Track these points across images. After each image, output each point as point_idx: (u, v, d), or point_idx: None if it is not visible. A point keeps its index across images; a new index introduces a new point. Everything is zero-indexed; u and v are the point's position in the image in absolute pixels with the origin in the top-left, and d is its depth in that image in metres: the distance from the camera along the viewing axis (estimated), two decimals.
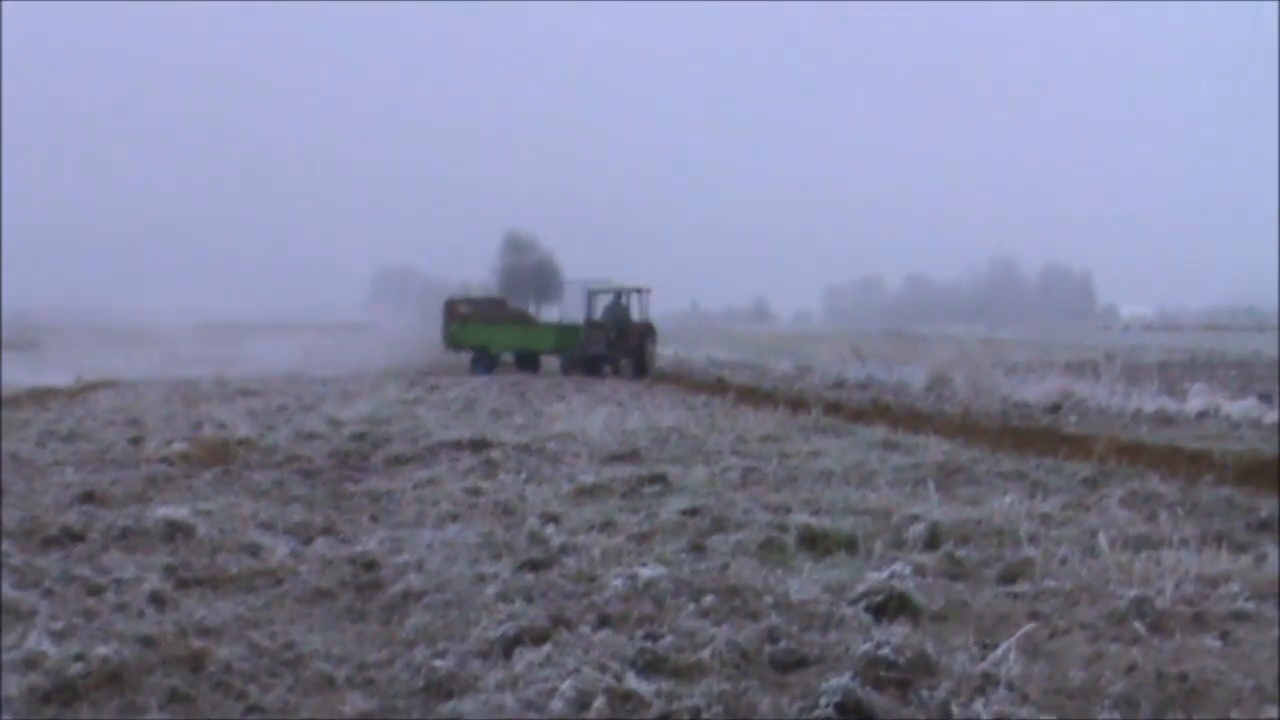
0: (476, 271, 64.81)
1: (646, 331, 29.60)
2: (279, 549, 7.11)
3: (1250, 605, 5.59)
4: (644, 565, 6.25)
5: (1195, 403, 17.09)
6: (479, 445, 12.15)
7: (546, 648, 4.82)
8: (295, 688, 4.65)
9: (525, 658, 4.73)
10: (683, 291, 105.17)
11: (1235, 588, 5.83)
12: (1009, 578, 6.32)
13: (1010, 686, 4.37)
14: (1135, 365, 23.41)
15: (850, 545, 7.05)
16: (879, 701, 4.25)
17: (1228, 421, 15.53)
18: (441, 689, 4.58)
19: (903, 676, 4.47)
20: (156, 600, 5.82)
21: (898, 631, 4.97)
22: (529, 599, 5.71)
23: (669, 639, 4.95)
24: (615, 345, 29.41)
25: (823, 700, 4.21)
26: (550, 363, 31.70)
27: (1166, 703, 4.33)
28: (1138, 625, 5.29)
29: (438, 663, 4.79)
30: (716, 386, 23.92)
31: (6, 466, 10.37)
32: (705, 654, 4.78)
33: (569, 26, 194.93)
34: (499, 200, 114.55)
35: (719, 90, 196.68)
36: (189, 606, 5.76)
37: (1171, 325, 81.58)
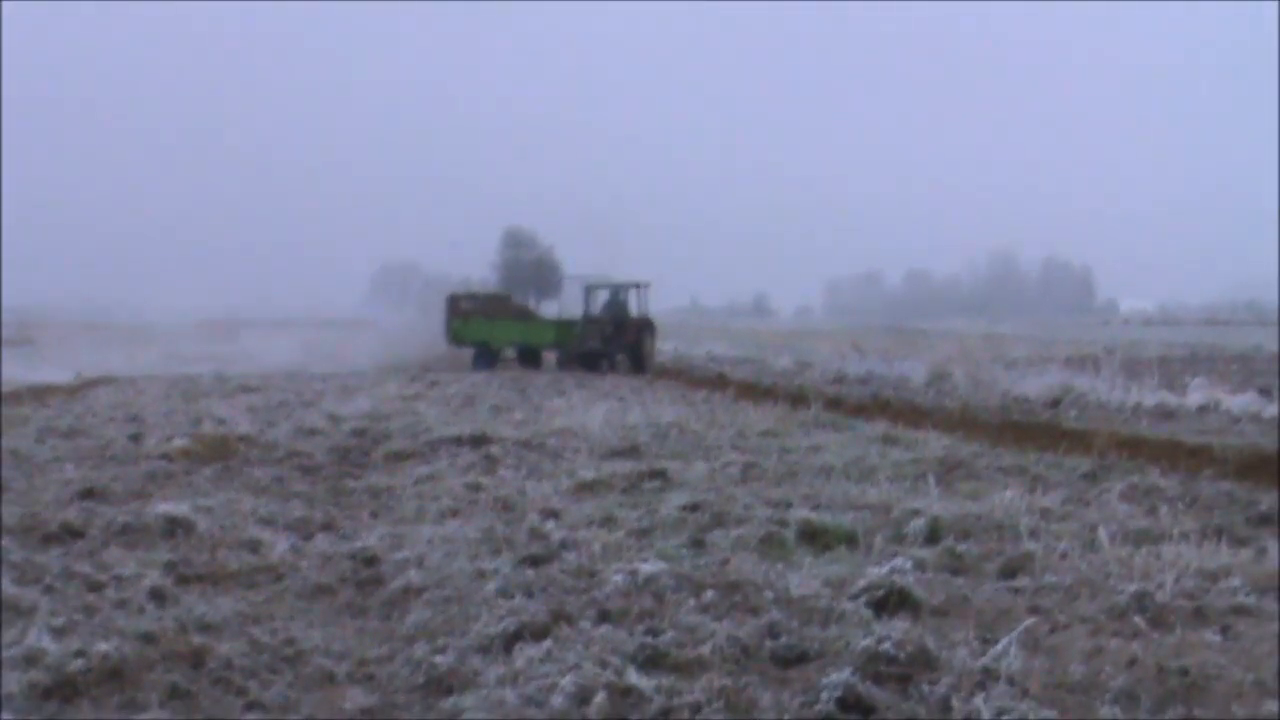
0: (477, 268, 64.78)
1: (644, 327, 29.52)
2: (279, 545, 7.12)
3: (1250, 599, 5.60)
4: (644, 560, 6.25)
5: (1195, 397, 17.08)
6: (479, 441, 12.15)
7: (547, 643, 4.83)
8: (295, 684, 4.66)
9: (526, 653, 4.73)
10: (683, 287, 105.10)
11: (1235, 582, 5.83)
12: (1009, 572, 6.32)
13: (1011, 681, 4.38)
14: (1135, 360, 23.40)
15: (850, 540, 7.05)
16: (879, 696, 4.25)
17: (1228, 416, 15.52)
18: (442, 684, 4.58)
19: (903, 671, 4.47)
20: (157, 596, 5.82)
21: (898, 626, 4.97)
22: (529, 594, 5.71)
23: (669, 634, 4.95)
24: (612, 341, 29.35)
25: (823, 695, 4.22)
26: (552, 358, 31.70)
27: (1167, 697, 4.33)
28: (1138, 620, 5.29)
29: (438, 658, 4.80)
30: (717, 382, 23.91)
31: (7, 463, 10.36)
32: (706, 649, 4.79)
33: (569, 26, 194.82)
34: (499, 197, 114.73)
35: (719, 89, 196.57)
36: (189, 602, 5.77)
37: (1171, 320, 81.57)
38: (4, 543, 6.75)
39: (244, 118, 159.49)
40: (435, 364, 30.96)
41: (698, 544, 7.01)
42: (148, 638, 5.00)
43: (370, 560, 6.78)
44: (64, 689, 4.41)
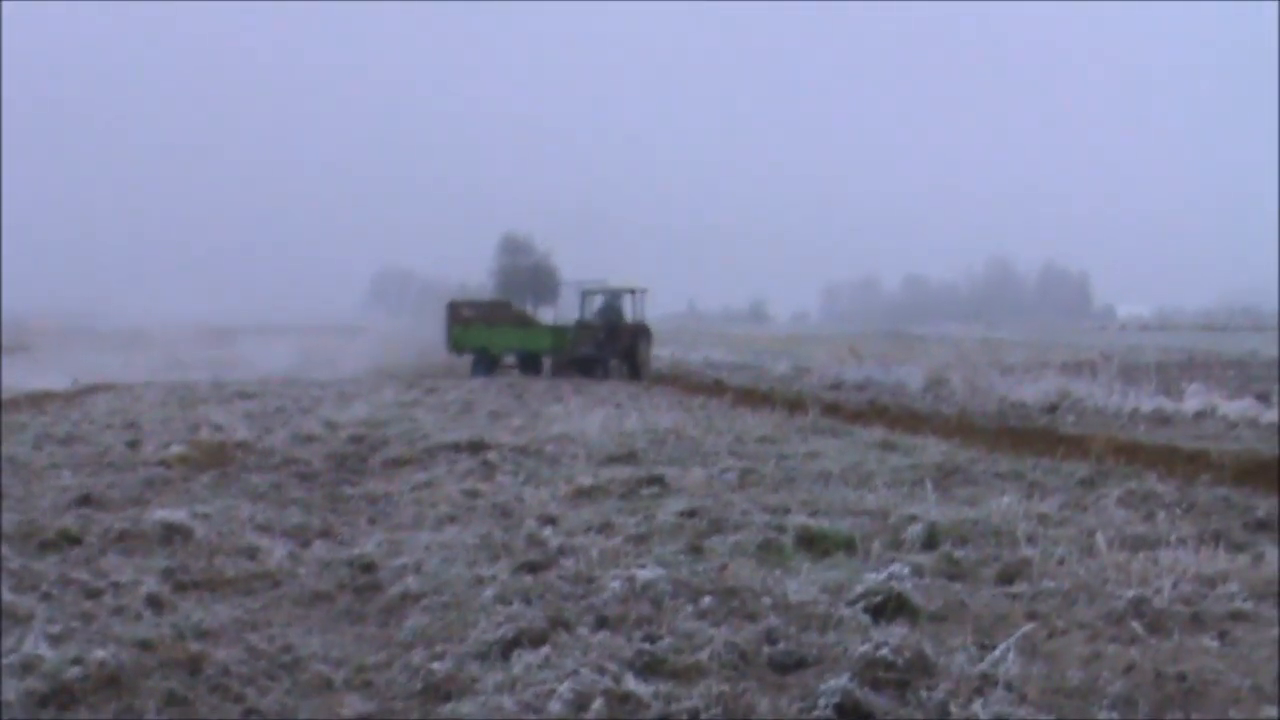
0: (474, 274, 64.71)
1: (639, 332, 29.50)
2: (277, 551, 7.11)
3: (1248, 605, 5.60)
4: (642, 567, 6.25)
5: (1192, 403, 17.10)
6: (477, 447, 12.15)
7: (545, 649, 4.83)
8: (293, 690, 4.65)
9: (523, 659, 4.73)
10: (680, 293, 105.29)
11: (1233, 587, 5.84)
12: (1007, 578, 6.32)
13: (1008, 687, 4.38)
14: (1132, 365, 23.41)
15: (848, 546, 7.05)
16: (877, 702, 4.25)
17: (1225, 421, 15.54)
18: (440, 691, 4.58)
19: (901, 677, 4.47)
20: (154, 603, 5.81)
21: (896, 632, 4.97)
22: (527, 601, 5.71)
23: (667, 640, 4.95)
24: (605, 346, 29.33)
25: (821, 701, 4.21)
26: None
27: (1165, 702, 4.33)
28: (1136, 625, 5.29)
29: (436, 665, 4.80)
30: (714, 388, 23.93)
31: (4, 470, 10.35)
32: (704, 655, 4.78)
33: (568, 28, 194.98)
34: (496, 202, 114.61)
35: (717, 91, 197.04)
36: (187, 609, 5.76)
37: (1168, 325, 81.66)
38: (2, 550, 6.74)
39: (240, 123, 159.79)
40: (432, 370, 30.95)
41: (695, 550, 7.01)
42: (145, 644, 4.99)
43: (368, 567, 6.77)
44: (61, 696, 4.40)
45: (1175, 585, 5.80)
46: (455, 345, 31.83)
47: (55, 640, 4.95)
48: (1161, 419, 16.18)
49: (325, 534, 7.89)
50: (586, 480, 9.73)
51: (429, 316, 34.66)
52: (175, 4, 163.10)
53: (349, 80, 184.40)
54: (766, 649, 4.89)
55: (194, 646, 4.98)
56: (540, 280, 63.16)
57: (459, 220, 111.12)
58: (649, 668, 4.65)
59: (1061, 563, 6.54)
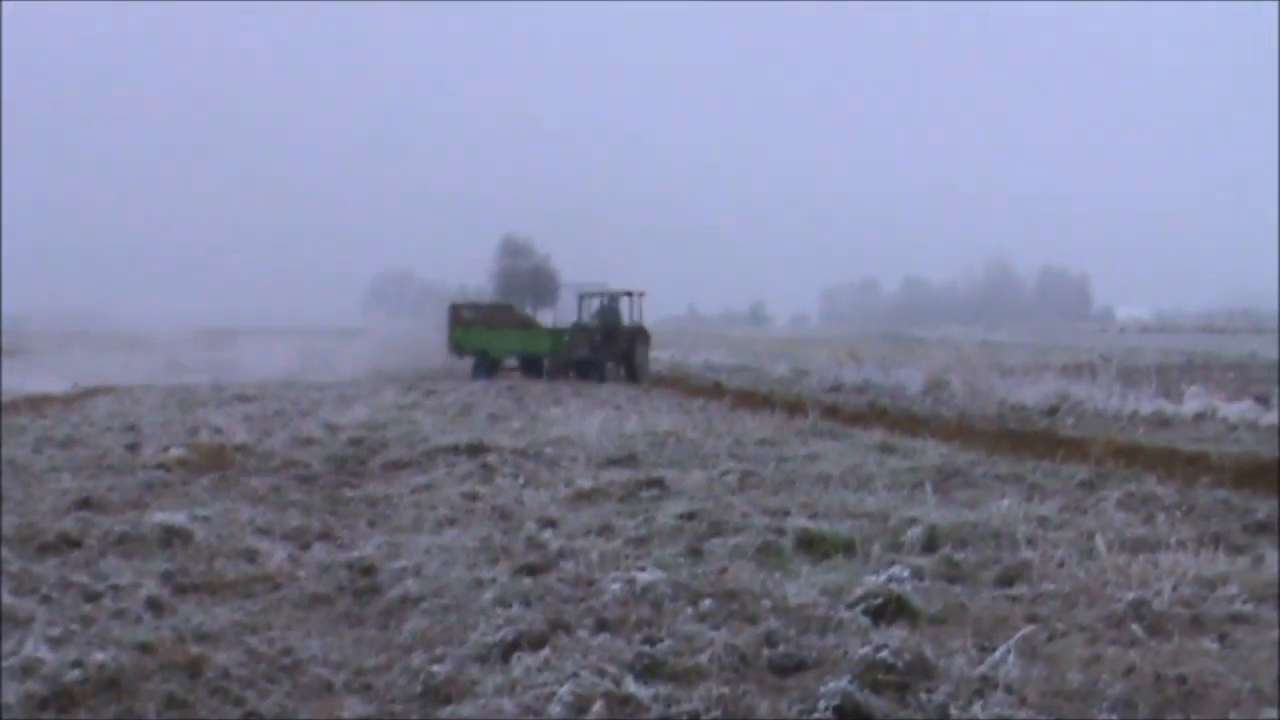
0: (474, 276, 64.75)
1: (637, 335, 29.48)
2: (276, 554, 7.11)
3: (1248, 607, 5.60)
4: (642, 569, 6.25)
5: (1192, 405, 17.10)
6: (476, 450, 12.14)
7: (544, 652, 4.82)
8: (293, 693, 4.65)
9: (523, 662, 4.73)
10: (680, 295, 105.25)
11: (1233, 590, 5.83)
12: (1007, 580, 6.33)
13: (1009, 689, 4.38)
14: (1132, 368, 23.44)
15: (848, 548, 7.05)
16: (877, 705, 4.25)
17: (1224, 423, 15.54)
18: (439, 694, 4.58)
19: (901, 679, 4.47)
20: (154, 606, 5.81)
21: (896, 634, 4.97)
22: (527, 603, 5.71)
23: (667, 643, 4.95)
24: (602, 349, 29.31)
25: (821, 704, 4.21)
26: None
27: (1165, 705, 4.33)
28: (1136, 627, 5.29)
29: (436, 668, 4.80)
30: (713, 390, 23.92)
31: (4, 473, 10.35)
32: (704, 658, 4.78)
33: (567, 28, 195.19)
34: (496, 205, 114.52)
35: (717, 91, 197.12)
36: (186, 612, 5.76)
37: (1168, 327, 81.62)
38: (1, 553, 6.74)
39: (240, 124, 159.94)
40: (432, 372, 30.96)
41: (695, 553, 7.01)
42: (145, 647, 4.99)
43: (367, 569, 6.77)
44: (61, 699, 4.40)
45: (1175, 588, 5.80)
46: (456, 348, 31.89)
47: (55, 643, 4.95)
48: (1161, 421, 16.18)
49: (325, 537, 7.89)
50: (586, 483, 9.73)
51: (428, 319, 34.74)
52: (175, 4, 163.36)
53: (349, 81, 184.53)
54: (766, 651, 4.89)
55: (194, 649, 4.98)
56: (540, 283, 63.13)
57: (458, 222, 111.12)
58: (649, 670, 4.65)
59: (1061, 565, 6.54)
